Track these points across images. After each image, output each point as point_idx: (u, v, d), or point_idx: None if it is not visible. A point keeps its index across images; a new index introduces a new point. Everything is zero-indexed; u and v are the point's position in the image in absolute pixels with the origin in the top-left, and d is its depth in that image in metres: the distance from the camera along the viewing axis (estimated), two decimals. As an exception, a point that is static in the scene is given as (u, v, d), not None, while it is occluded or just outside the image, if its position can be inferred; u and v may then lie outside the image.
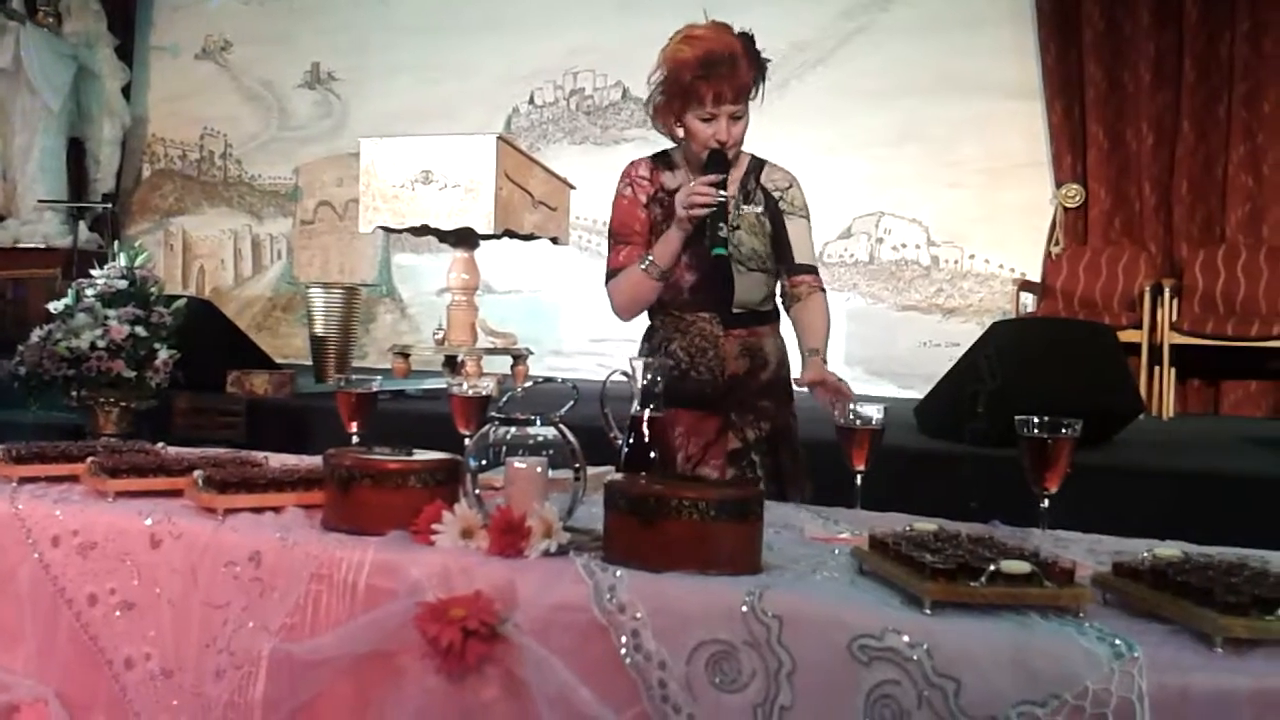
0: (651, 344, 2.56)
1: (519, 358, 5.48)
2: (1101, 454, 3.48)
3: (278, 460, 2.11)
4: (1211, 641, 1.18)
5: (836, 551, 1.60)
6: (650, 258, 2.42)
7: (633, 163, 2.58)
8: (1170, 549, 1.43)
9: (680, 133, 2.43)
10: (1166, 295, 5.49)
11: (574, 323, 7.31)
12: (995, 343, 3.58)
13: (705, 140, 2.37)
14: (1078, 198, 6.07)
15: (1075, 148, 6.07)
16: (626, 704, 1.39)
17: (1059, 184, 6.12)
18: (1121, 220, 6.00)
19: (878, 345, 6.58)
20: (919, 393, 4.30)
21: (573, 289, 7.43)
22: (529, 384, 1.91)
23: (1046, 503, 1.71)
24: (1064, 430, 1.67)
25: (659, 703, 1.37)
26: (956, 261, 6.53)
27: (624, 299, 2.53)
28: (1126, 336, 5.52)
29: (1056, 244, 6.11)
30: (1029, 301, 6.01)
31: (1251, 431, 4.60)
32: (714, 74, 2.29)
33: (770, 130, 7.56)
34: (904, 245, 6.69)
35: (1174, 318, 5.49)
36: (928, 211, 6.59)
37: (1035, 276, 6.15)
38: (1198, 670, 1.16)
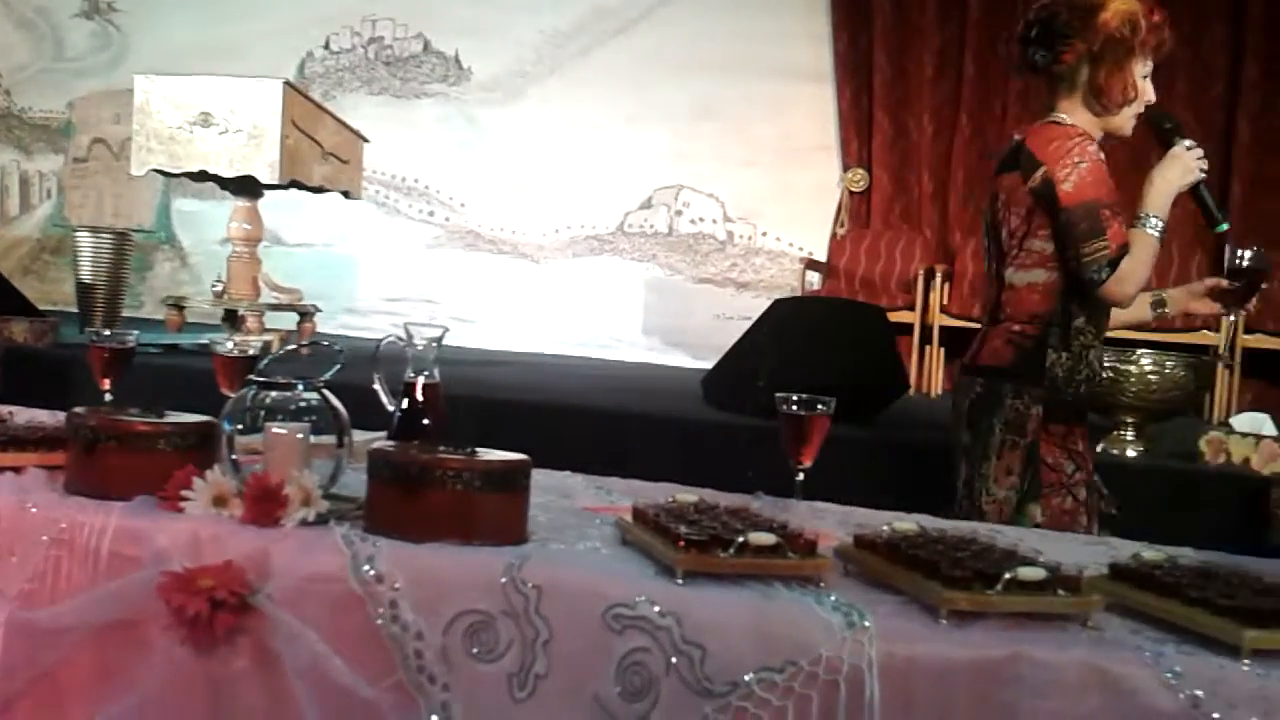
0: (1070, 348, 2.31)
1: (305, 315, 5.31)
2: (870, 428, 3.67)
3: (26, 416, 1.99)
4: (937, 613, 1.26)
5: (599, 521, 1.63)
6: (1160, 222, 2.26)
7: (1066, 125, 2.30)
8: (908, 523, 1.51)
9: (1130, 95, 2.29)
10: (938, 279, 5.81)
11: (370, 280, 7.15)
12: (774, 319, 3.71)
13: (1146, 99, 2.31)
14: (862, 182, 6.33)
15: (862, 133, 6.32)
16: (382, 675, 1.37)
17: (846, 168, 6.36)
18: (901, 206, 6.30)
19: (674, 316, 6.71)
20: (712, 364, 4.42)
21: (369, 245, 7.25)
22: (293, 346, 1.86)
23: (802, 476, 1.78)
24: (819, 407, 1.75)
25: (415, 673, 1.36)
26: (750, 238, 6.71)
27: (1143, 278, 2.26)
28: (902, 317, 5.83)
29: (842, 226, 6.37)
30: (815, 280, 6.25)
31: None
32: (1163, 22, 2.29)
33: (572, 94, 7.60)
34: (701, 219, 6.82)
35: (944, 301, 5.82)
36: (724, 187, 6.74)
37: (822, 256, 6.39)
38: (923, 640, 1.23)
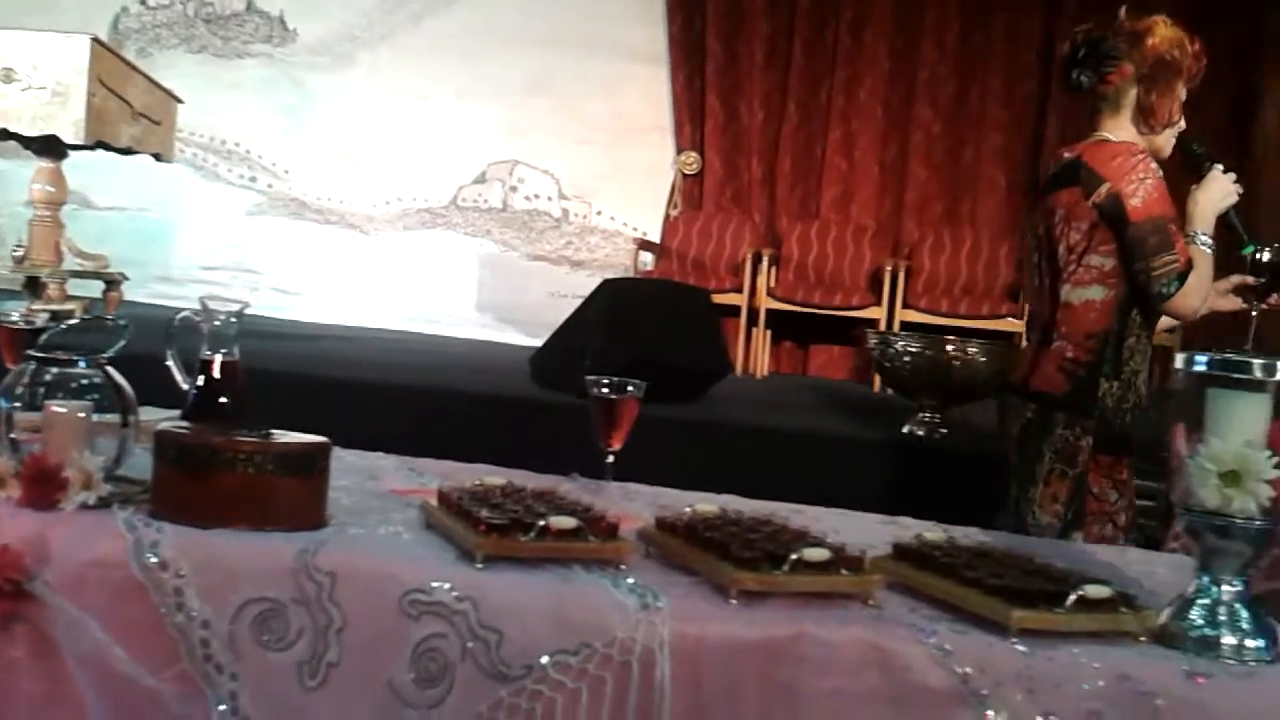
0: (1121, 375, 2.33)
1: (111, 283, 5.06)
2: (693, 409, 3.74)
3: None
4: (727, 593, 1.29)
5: (405, 505, 1.61)
6: (1210, 239, 2.30)
7: (1126, 143, 2.35)
8: (709, 505, 1.55)
9: (1175, 117, 2.37)
10: (765, 263, 5.94)
11: (186, 248, 6.85)
12: (602, 299, 3.73)
13: (1178, 126, 2.38)
14: (695, 165, 6.42)
15: (695, 117, 6.40)
16: (166, 664, 1.33)
17: (679, 150, 6.44)
18: (732, 190, 6.41)
19: (508, 293, 6.67)
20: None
21: (186, 210, 6.94)
22: (75, 320, 1.77)
23: (612, 458, 1.80)
24: (630, 390, 1.77)
25: (201, 662, 1.32)
26: (585, 216, 6.72)
27: (1206, 292, 2.31)
28: (730, 300, 5.95)
29: (675, 207, 6.44)
30: (648, 260, 6.31)
31: (828, 392, 5.09)
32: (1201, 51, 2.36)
33: (404, 63, 7.40)
34: (537, 196, 6.79)
35: (771, 284, 5.96)
36: (560, 164, 6.72)
37: (656, 236, 6.45)
38: (714, 620, 1.26)
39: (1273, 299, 2.51)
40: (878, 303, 5.77)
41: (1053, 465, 2.37)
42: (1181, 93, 2.39)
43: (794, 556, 1.30)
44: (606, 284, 3.90)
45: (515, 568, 1.33)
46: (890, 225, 6.20)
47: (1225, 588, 1.32)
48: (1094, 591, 1.28)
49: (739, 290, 5.92)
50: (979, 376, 3.50)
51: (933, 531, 1.58)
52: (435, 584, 1.29)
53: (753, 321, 5.92)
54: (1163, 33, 2.38)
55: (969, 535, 1.73)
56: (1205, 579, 1.34)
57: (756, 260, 5.95)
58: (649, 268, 6.24)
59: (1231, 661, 1.27)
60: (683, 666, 1.24)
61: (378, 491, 1.71)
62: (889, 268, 5.83)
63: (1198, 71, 2.39)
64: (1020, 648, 1.24)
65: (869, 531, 1.72)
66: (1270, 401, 1.33)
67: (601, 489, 1.84)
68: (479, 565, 1.32)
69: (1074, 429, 2.35)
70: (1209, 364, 1.34)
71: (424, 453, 2.02)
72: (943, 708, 1.21)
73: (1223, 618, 1.31)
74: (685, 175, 6.43)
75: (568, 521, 1.36)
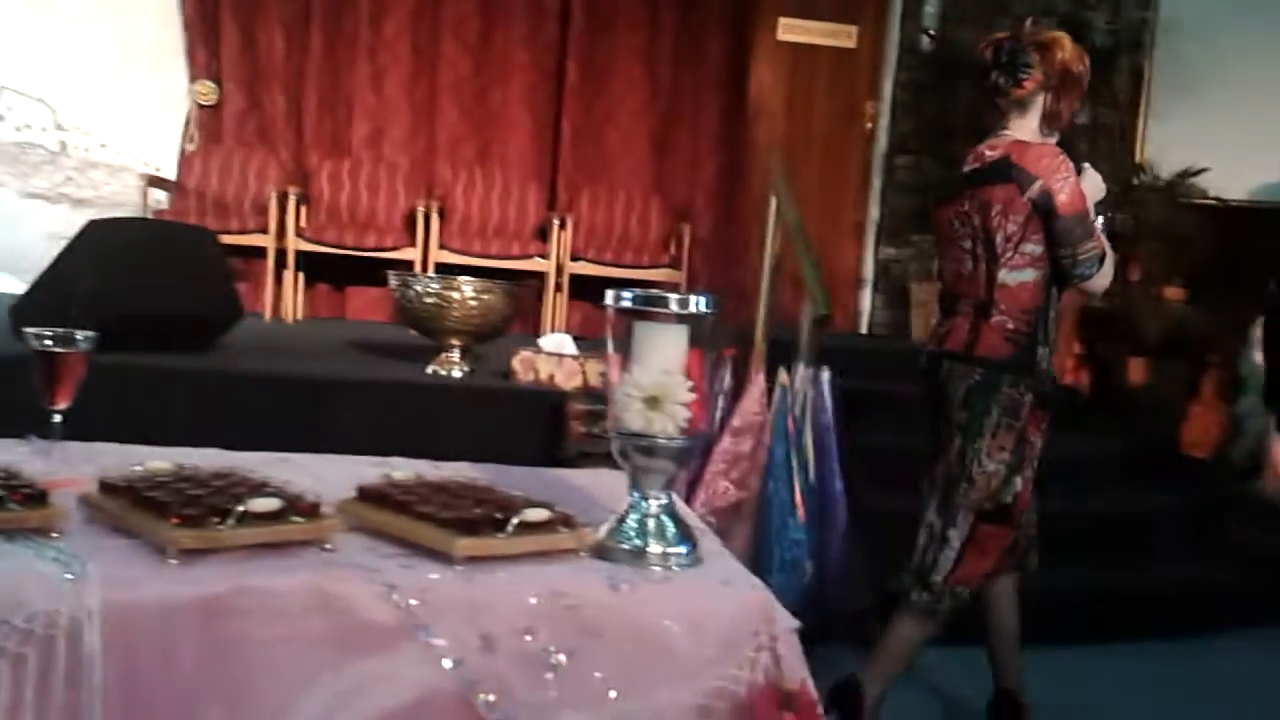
0: (1049, 343, 2.68)
1: None
2: (204, 359, 3.53)
3: None
4: (166, 553, 1.23)
5: None
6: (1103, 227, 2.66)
7: (1047, 144, 2.66)
8: (163, 461, 1.47)
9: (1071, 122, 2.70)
10: (294, 202, 5.72)
11: None
12: (89, 242, 3.41)
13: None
14: (212, 95, 6.01)
15: (210, 43, 5.97)
16: None
17: (194, 79, 5.99)
18: (255, 124, 6.08)
19: (-1, 235, 5.92)
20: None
21: None
22: None
23: (60, 417, 1.66)
24: (79, 343, 1.63)
25: None
26: (87, 150, 6.09)
27: (1111, 272, 2.69)
28: (256, 241, 5.68)
29: (191, 141, 6.01)
30: (162, 199, 5.84)
31: (361, 336, 5.01)
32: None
33: None
34: (29, 126, 6.05)
35: (301, 225, 5.75)
36: (56, 91, 6.03)
37: (171, 173, 5.99)
38: (148, 583, 1.20)
39: None
40: (413, 244, 5.76)
41: (1000, 419, 2.67)
42: (1078, 102, 2.73)
43: (240, 509, 1.27)
44: (93, 225, 3.56)
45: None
46: (424, 165, 6.17)
47: (653, 502, 1.46)
48: (534, 515, 1.36)
49: (265, 231, 5.67)
50: (496, 316, 3.60)
51: (402, 471, 1.61)
52: None
53: (282, 264, 5.70)
54: (1069, 47, 2.70)
55: (459, 471, 1.78)
56: (636, 495, 1.47)
57: (284, 199, 5.71)
58: (163, 206, 5.78)
59: (657, 568, 1.41)
60: (115, 634, 1.18)
61: None
62: (422, 208, 5.82)
63: (1086, 84, 2.73)
64: (464, 575, 1.29)
65: (357, 475, 1.71)
66: (687, 333, 1.48)
67: (56, 451, 1.69)
68: None
69: (1018, 388, 2.66)
70: (634, 299, 1.46)
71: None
72: (388, 641, 1.24)
73: (651, 529, 1.45)
74: (201, 106, 6.01)
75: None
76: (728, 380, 3.43)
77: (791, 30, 6.33)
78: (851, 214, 6.54)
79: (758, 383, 3.36)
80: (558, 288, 5.80)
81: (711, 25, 6.24)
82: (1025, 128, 2.70)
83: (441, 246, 5.78)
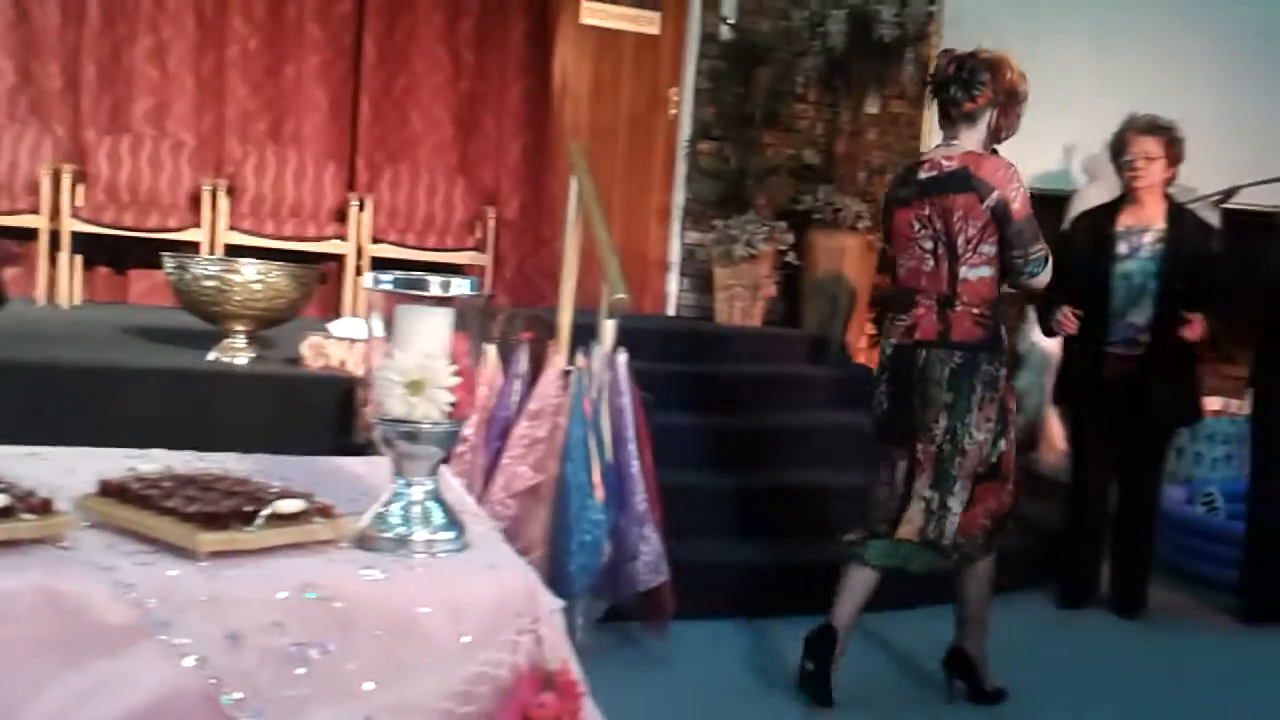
0: (1005, 324, 3.09)
1: None
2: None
3: None
4: None
5: None
6: None
7: (998, 157, 3.01)
8: None
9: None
10: (69, 181, 5.38)
11: None
12: None
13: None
14: (-22, 68, 5.59)
15: (-23, 14, 5.55)
16: None
17: (-44, 50, 5.56)
18: (29, 99, 5.68)
19: None
20: None
21: None
22: None
23: None
24: None
25: None
26: None
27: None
28: (28, 222, 5.32)
29: (-47, 115, 5.57)
30: (-81, 176, 5.40)
31: (140, 321, 4.76)
32: None
33: None
34: None
35: (78, 205, 5.42)
36: None
37: (-71, 148, 5.53)
38: None
39: None
40: (199, 224, 5.50)
41: (984, 394, 3.00)
42: (1018, 120, 3.07)
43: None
44: None
45: None
46: (211, 142, 5.89)
47: (417, 488, 1.43)
48: (286, 507, 1.32)
49: (37, 212, 5.31)
50: (282, 300, 3.47)
51: (153, 463, 1.53)
52: None
53: (56, 246, 5.35)
54: (1014, 68, 3.03)
55: (222, 462, 1.71)
56: (401, 482, 1.44)
57: (57, 178, 5.36)
58: (-79, 185, 5.35)
59: (422, 555, 1.38)
60: None
61: None
62: (209, 187, 5.57)
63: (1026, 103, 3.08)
64: (208, 571, 1.24)
65: (107, 469, 1.62)
66: (452, 316, 1.45)
67: None
68: None
69: (994, 364, 3.02)
70: (394, 282, 1.43)
71: None
72: (125, 641, 1.18)
73: (416, 516, 1.42)
74: (-30, 80, 5.57)
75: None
76: (525, 364, 3.41)
77: (595, 14, 6.33)
78: (658, 198, 6.60)
79: (555, 366, 3.36)
80: (358, 271, 5.65)
81: (514, 6, 6.18)
82: (973, 139, 3.02)
83: (232, 228, 5.55)
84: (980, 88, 2.99)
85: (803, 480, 4.46)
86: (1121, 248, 4.02)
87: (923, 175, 3.04)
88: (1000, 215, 2.95)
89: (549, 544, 3.26)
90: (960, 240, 2.97)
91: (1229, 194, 6.04)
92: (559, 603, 1.44)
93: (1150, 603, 4.20)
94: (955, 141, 3.04)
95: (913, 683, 3.39)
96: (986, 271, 3.00)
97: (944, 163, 3.00)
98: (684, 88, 6.45)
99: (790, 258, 6.02)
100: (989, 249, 2.98)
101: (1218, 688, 3.53)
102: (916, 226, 3.04)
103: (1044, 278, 3.06)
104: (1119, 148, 4.07)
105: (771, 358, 5.54)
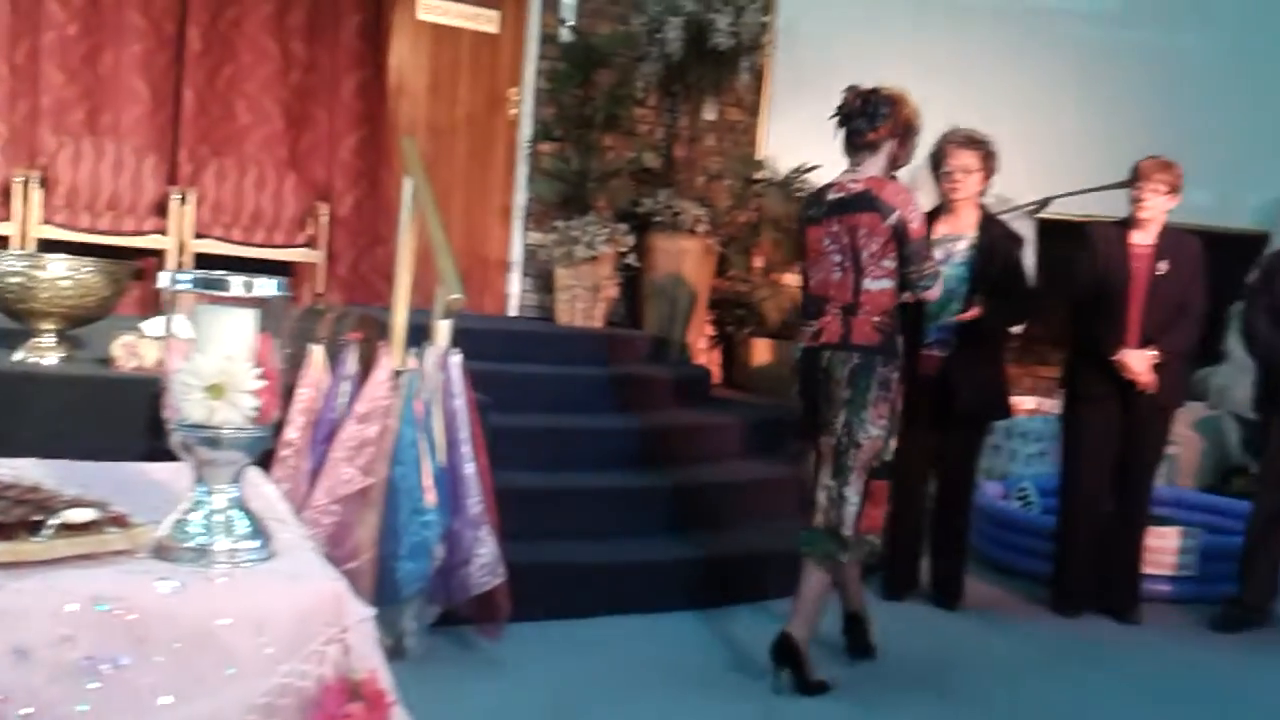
0: (900, 331, 3.39)
1: None
2: None
3: None
4: None
5: None
6: None
7: (898, 182, 3.39)
8: None
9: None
10: None
11: None
12: None
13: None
14: None
15: None
16: None
17: None
18: None
19: None
20: None
21: None
22: None
23: None
24: None
25: None
26: None
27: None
28: None
29: None
30: None
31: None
32: None
33: None
34: None
35: None
36: None
37: None
38: None
39: None
40: (8, 218, 5.20)
41: (878, 393, 3.28)
42: (913, 151, 3.44)
43: None
44: None
45: None
46: (24, 132, 5.57)
47: (220, 497, 1.39)
48: (76, 516, 1.26)
49: None
50: (94, 298, 3.31)
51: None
52: None
53: None
54: (911, 104, 3.37)
55: (14, 468, 1.62)
56: (201, 489, 1.39)
57: None
58: None
59: (224, 565, 1.34)
60: None
61: None
62: (21, 179, 5.27)
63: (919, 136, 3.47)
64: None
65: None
66: (257, 316, 1.41)
67: None
68: None
69: (889, 366, 3.31)
70: (194, 282, 1.38)
71: None
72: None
73: (217, 525, 1.37)
74: None
75: None
76: (353, 365, 3.34)
77: (432, 9, 6.24)
78: (499, 198, 6.56)
79: (384, 366, 3.30)
80: (179, 267, 5.44)
81: (346, -1, 6.05)
82: (875, 166, 3.36)
83: (45, 221, 5.27)
84: (883, 120, 3.33)
85: (641, 482, 4.50)
86: (938, 255, 4.20)
87: (831, 196, 3.38)
88: (900, 233, 3.28)
89: (378, 548, 3.20)
90: (864, 255, 3.30)
91: (1043, 204, 6.36)
92: (369, 611, 1.41)
93: (968, 594, 4.40)
94: (859, 168, 3.38)
95: (744, 674, 3.46)
96: (887, 284, 3.32)
97: (851, 185, 3.35)
98: (524, 88, 6.43)
99: (631, 259, 6.08)
100: (889, 264, 3.31)
101: (1030, 674, 3.72)
102: (827, 242, 3.36)
103: (935, 291, 3.44)
104: (938, 160, 4.24)
105: (613, 359, 5.57)
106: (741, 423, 5.31)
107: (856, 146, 3.37)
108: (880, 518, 3.41)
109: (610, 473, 4.54)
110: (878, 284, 3.31)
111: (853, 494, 3.30)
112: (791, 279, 7.18)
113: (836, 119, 3.41)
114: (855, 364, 3.29)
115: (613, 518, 4.30)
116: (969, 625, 4.17)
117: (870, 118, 3.33)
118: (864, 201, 3.30)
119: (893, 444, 3.36)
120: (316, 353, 3.37)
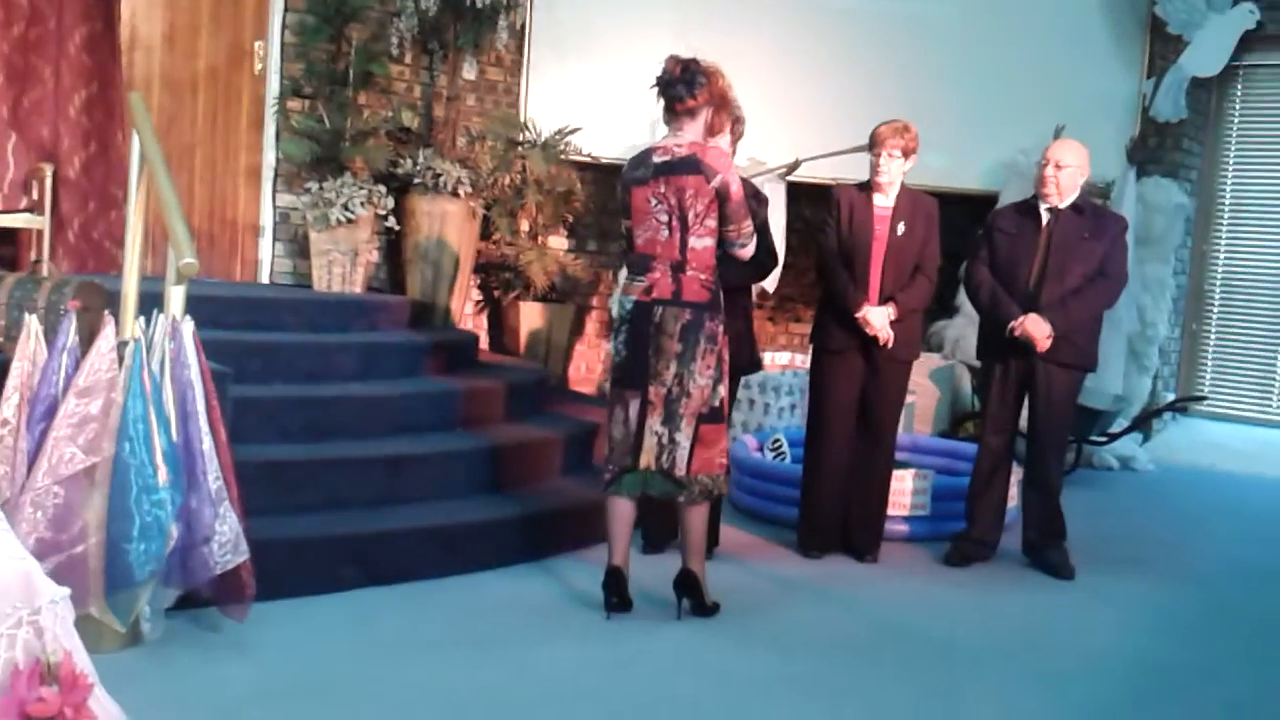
0: (719, 300, 3.67)
1: None
2: None
3: None
4: None
5: None
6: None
7: (720, 148, 3.74)
8: None
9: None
10: None
11: None
12: None
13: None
14: None
15: None
16: None
17: None
18: None
19: None
20: None
21: None
22: None
23: None
24: None
25: None
26: None
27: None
28: None
29: None
30: None
31: None
32: None
33: None
34: None
35: None
36: None
37: None
38: None
39: None
40: None
41: (707, 346, 3.58)
42: (728, 120, 3.88)
43: None
44: None
45: None
46: None
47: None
48: None
49: None
50: None
51: None
52: None
53: None
54: (724, 77, 3.71)
55: None
56: None
57: None
58: None
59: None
60: None
61: None
62: None
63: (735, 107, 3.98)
64: None
65: None
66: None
67: None
68: None
69: (715, 321, 3.60)
70: None
71: None
72: None
73: None
74: None
75: None
76: (72, 336, 3.11)
77: (167, -45, 5.86)
78: (246, 158, 6.24)
79: (106, 337, 3.08)
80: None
81: (69, -57, 5.58)
82: (695, 131, 3.62)
83: None
84: (700, 88, 3.58)
85: (401, 450, 4.41)
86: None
87: (656, 159, 3.60)
88: (722, 195, 3.56)
89: (107, 530, 3.00)
90: (690, 215, 3.55)
91: (792, 167, 6.61)
92: (63, 591, 1.32)
93: (723, 541, 4.54)
94: (680, 133, 3.62)
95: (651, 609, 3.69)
96: (710, 242, 3.59)
97: (675, 149, 3.59)
98: (269, 42, 6.12)
99: (391, 223, 5.92)
100: (712, 223, 3.58)
101: (775, 609, 3.88)
102: (653, 202, 3.59)
103: (749, 250, 3.69)
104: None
105: (372, 325, 5.42)
106: (505, 386, 5.28)
107: (676, 113, 3.61)
108: (713, 459, 3.63)
109: (369, 441, 4.42)
110: (702, 242, 3.58)
111: (683, 439, 3.58)
112: (557, 242, 7.20)
113: (656, 87, 3.62)
114: (687, 320, 3.56)
115: (371, 487, 4.19)
116: (722, 568, 4.25)
117: (689, 84, 3.57)
118: (690, 165, 3.55)
119: (721, 391, 3.64)
120: (31, 323, 3.12)
